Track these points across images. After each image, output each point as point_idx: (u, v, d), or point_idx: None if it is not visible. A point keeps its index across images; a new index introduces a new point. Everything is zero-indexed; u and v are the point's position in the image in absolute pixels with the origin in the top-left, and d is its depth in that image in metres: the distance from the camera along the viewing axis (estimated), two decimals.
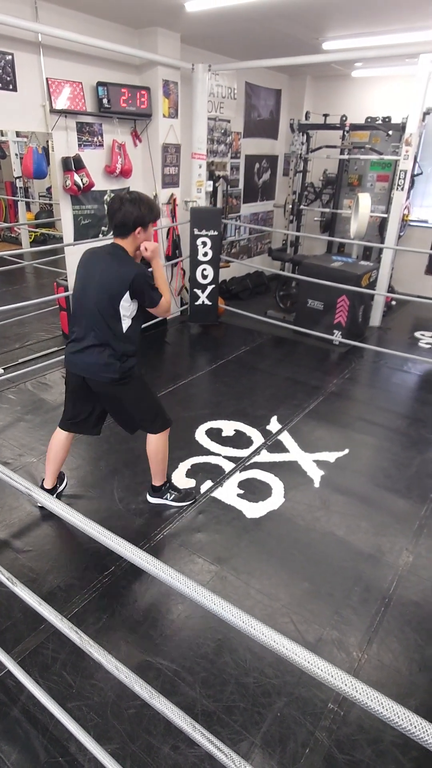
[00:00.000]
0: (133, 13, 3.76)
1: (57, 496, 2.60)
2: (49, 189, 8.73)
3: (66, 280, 4.40)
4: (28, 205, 8.43)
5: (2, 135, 7.30)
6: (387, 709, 0.66)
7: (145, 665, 1.79)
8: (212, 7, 3.36)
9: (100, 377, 2.18)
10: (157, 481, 2.57)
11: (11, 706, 1.64)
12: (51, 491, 2.55)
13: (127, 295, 2.06)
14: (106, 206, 2.11)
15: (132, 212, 2.04)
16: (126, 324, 2.14)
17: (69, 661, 1.79)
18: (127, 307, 2.10)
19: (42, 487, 2.52)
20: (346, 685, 0.69)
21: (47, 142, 7.51)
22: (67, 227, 4.18)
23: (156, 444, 2.45)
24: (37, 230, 8.48)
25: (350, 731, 1.62)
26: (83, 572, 2.16)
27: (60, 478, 2.64)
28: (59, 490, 2.63)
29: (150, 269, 2.20)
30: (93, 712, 1.63)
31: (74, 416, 2.39)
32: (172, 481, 2.69)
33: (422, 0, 3.22)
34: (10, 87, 3.46)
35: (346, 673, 0.72)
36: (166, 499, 2.59)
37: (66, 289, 4.35)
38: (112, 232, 2.12)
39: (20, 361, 4.15)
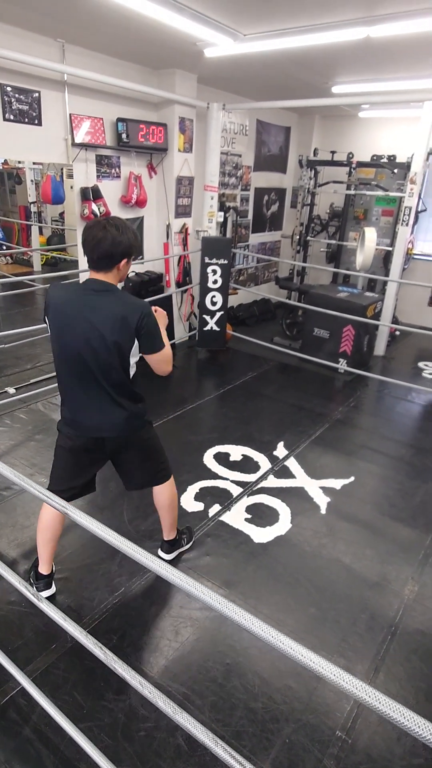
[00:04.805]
0: (154, 56, 3.98)
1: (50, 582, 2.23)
2: (61, 214, 9.00)
3: None
4: (40, 229, 8.68)
5: (19, 162, 7.57)
6: (414, 723, 0.71)
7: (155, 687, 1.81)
8: (229, 53, 3.56)
9: (124, 432, 1.94)
10: (172, 534, 2.37)
11: (23, 726, 1.66)
12: (49, 577, 2.17)
13: (136, 338, 1.78)
14: (83, 232, 1.75)
15: (121, 241, 1.71)
16: (133, 370, 1.88)
17: (80, 681, 1.81)
18: (135, 350, 1.81)
19: (37, 574, 2.16)
20: (369, 696, 0.74)
21: (62, 170, 7.79)
22: (82, 253, 4.32)
23: (171, 490, 2.24)
24: (48, 253, 8.71)
25: (358, 759, 1.63)
26: (93, 593, 2.19)
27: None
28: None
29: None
30: (104, 734, 1.65)
31: (76, 485, 2.04)
32: (183, 506, 2.74)
33: (427, 50, 3.42)
34: (36, 122, 3.64)
35: (372, 688, 0.77)
36: (182, 545, 2.45)
37: None
38: (88, 264, 1.77)
39: (31, 381, 4.23)
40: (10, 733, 1.63)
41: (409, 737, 1.69)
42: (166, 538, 2.39)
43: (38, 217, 8.55)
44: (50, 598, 2.15)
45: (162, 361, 1.88)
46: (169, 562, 2.37)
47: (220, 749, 0.94)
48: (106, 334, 1.73)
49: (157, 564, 0.92)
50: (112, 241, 1.70)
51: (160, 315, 1.94)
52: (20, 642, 1.94)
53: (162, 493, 2.23)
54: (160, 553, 2.41)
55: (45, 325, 1.85)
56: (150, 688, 1.05)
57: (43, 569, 2.16)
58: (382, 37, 3.03)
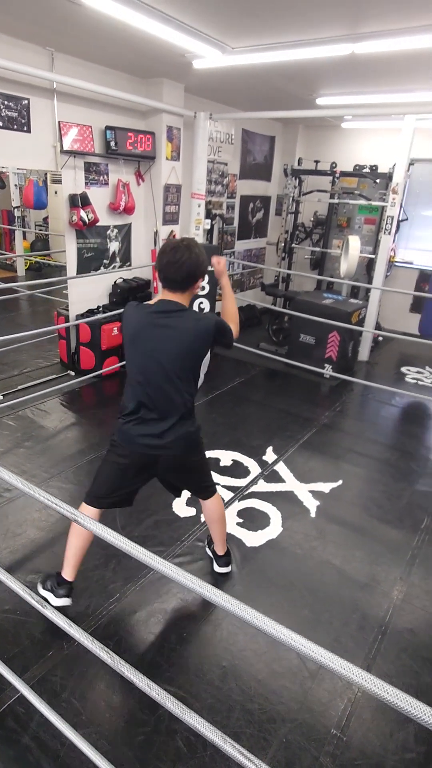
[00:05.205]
0: (143, 65, 4.02)
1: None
2: (45, 219, 8.97)
3: (67, 310, 4.51)
4: (24, 233, 8.64)
5: (3, 166, 7.52)
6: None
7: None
8: (217, 66, 3.63)
9: (185, 450, 1.96)
10: (225, 547, 2.40)
11: (22, 734, 1.66)
12: (71, 584, 2.11)
13: (210, 345, 1.87)
14: (163, 254, 1.80)
15: (202, 261, 1.80)
16: (200, 382, 1.94)
17: (77, 688, 1.82)
18: (206, 362, 1.90)
19: (59, 579, 2.11)
20: (375, 686, 0.78)
21: (45, 174, 7.77)
22: (71, 260, 4.33)
23: (220, 503, 2.27)
24: (31, 258, 8.66)
25: (353, 756, 1.67)
26: (89, 599, 2.20)
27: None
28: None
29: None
30: (103, 739, 1.66)
31: (121, 494, 2.06)
32: (176, 512, 2.76)
33: (409, 66, 3.54)
34: (25, 129, 3.65)
35: (375, 677, 0.82)
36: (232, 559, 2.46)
37: (67, 319, 4.46)
38: (164, 285, 1.84)
39: (19, 388, 4.21)
40: (9, 741, 1.64)
41: (402, 733, 1.75)
42: (220, 553, 2.40)
43: (22, 222, 8.52)
44: (38, 615, 2.15)
45: (235, 338, 1.99)
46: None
47: (229, 746, 0.97)
48: (180, 352, 1.81)
49: (174, 571, 0.95)
50: (196, 262, 1.78)
51: (221, 262, 2.11)
52: (16, 650, 1.94)
53: (213, 507, 2.26)
54: (218, 568, 2.41)
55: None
56: (158, 690, 1.08)
57: (68, 574, 2.10)
58: (367, 53, 3.13)
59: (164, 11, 2.75)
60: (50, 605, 1.54)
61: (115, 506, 2.12)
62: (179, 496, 2.23)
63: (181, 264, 1.76)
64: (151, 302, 1.93)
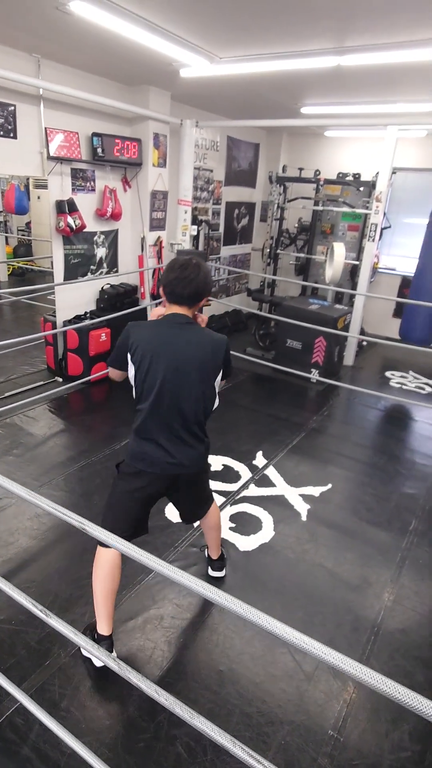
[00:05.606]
0: (130, 73, 4.05)
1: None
2: (28, 224, 8.90)
3: (53, 316, 4.49)
4: (6, 238, 8.55)
5: None
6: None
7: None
8: (204, 75, 3.67)
9: (199, 466, 1.93)
10: (219, 551, 2.43)
11: (21, 745, 1.65)
12: (110, 638, 1.92)
13: (222, 367, 1.85)
14: (171, 271, 1.79)
15: (209, 281, 1.83)
16: (216, 404, 1.90)
17: (76, 697, 1.81)
18: (218, 382, 1.87)
19: (98, 636, 1.92)
20: (374, 679, 0.81)
21: (27, 179, 7.68)
22: (58, 266, 4.31)
23: (218, 510, 2.30)
24: (14, 263, 8.57)
25: (350, 756, 1.71)
26: (84, 607, 2.19)
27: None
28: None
29: None
30: (104, 747, 1.66)
31: (138, 525, 1.98)
32: (169, 517, 2.77)
33: (392, 79, 3.63)
34: (11, 135, 3.64)
35: (372, 670, 0.85)
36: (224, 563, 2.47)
37: (54, 325, 4.44)
38: (170, 300, 1.82)
39: (6, 395, 4.16)
40: (8, 753, 1.62)
41: (397, 732, 1.79)
42: (215, 557, 2.42)
43: (4, 227, 8.43)
44: (33, 623, 2.14)
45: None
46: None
47: (239, 749, 0.99)
48: (197, 366, 1.78)
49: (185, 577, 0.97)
50: (204, 280, 1.80)
51: (203, 319, 1.98)
52: (13, 660, 1.92)
53: (211, 515, 2.26)
54: (212, 572, 2.43)
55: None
56: (166, 696, 1.10)
57: (104, 628, 1.91)
58: (352, 65, 3.21)
59: (153, 21, 2.78)
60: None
61: (132, 539, 1.94)
62: (197, 519, 2.25)
63: (189, 281, 1.77)
64: (153, 319, 1.87)
